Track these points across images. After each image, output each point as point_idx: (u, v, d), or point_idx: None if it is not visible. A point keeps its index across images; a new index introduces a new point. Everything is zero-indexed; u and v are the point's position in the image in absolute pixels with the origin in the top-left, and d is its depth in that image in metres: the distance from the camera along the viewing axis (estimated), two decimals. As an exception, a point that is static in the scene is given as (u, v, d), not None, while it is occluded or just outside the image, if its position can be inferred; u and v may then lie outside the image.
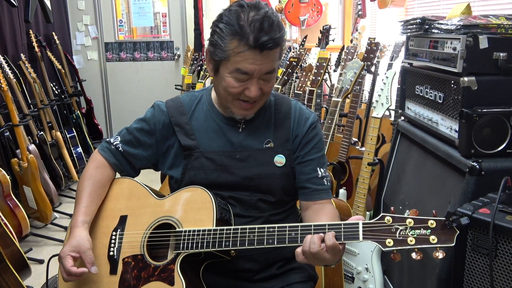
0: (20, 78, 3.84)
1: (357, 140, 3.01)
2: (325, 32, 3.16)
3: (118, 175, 1.52)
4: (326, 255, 1.13)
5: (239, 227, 1.25)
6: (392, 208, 1.15)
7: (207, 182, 1.40)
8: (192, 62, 4.71)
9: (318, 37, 3.35)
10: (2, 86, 3.07)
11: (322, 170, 1.46)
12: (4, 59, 3.52)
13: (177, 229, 1.31)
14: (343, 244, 1.14)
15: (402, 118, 2.16)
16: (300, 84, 2.88)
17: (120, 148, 1.48)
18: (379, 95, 2.20)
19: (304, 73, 2.91)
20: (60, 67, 4.59)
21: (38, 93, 3.92)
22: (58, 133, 4.07)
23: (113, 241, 1.38)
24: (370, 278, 2.01)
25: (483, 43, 1.50)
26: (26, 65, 3.88)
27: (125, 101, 5.69)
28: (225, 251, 1.30)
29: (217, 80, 1.36)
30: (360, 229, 1.12)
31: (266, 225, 1.22)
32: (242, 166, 1.41)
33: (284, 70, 2.84)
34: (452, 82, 1.61)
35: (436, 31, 1.75)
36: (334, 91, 2.65)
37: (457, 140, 1.58)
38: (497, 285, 1.22)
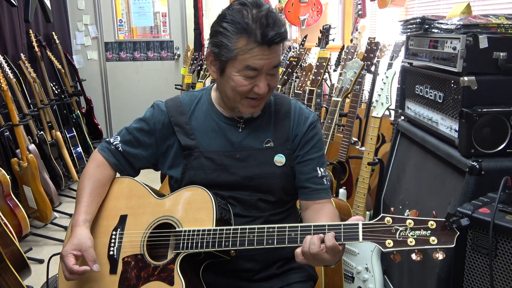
0: (20, 78, 3.84)
1: (357, 139, 3.01)
2: (325, 32, 3.16)
3: (118, 174, 1.52)
4: (326, 256, 1.13)
5: (239, 227, 1.25)
6: (392, 208, 1.14)
7: (207, 182, 1.40)
8: (192, 62, 4.71)
9: (318, 36, 3.35)
10: (2, 86, 3.07)
11: (321, 169, 1.46)
12: (4, 59, 3.51)
13: (177, 229, 1.31)
14: (343, 245, 1.14)
15: (402, 117, 2.16)
16: (300, 84, 2.88)
17: (120, 148, 1.48)
18: (379, 95, 2.20)
19: (304, 73, 2.91)
20: (60, 66, 4.59)
21: (38, 93, 3.92)
22: (58, 133, 4.07)
23: (113, 240, 1.38)
24: (370, 278, 2.01)
25: (483, 42, 1.50)
26: (26, 65, 3.88)
27: (125, 100, 5.69)
28: (225, 251, 1.29)
29: (223, 81, 1.35)
30: (360, 229, 1.12)
31: (265, 225, 1.22)
32: (242, 166, 1.41)
33: (284, 69, 2.84)
34: (452, 81, 1.61)
35: (436, 30, 1.75)
36: (334, 91, 2.65)
37: (457, 139, 1.58)
38: (497, 285, 1.22)
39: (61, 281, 1.40)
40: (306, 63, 3.30)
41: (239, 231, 1.24)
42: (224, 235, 1.25)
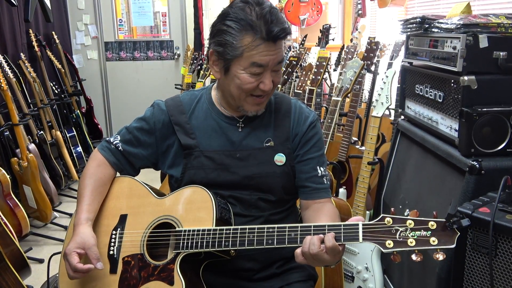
0: (20, 78, 3.85)
1: (357, 139, 3.01)
2: (325, 32, 3.16)
3: (118, 174, 1.52)
4: (326, 256, 1.13)
5: (239, 227, 1.25)
6: (392, 209, 1.14)
7: (207, 181, 1.40)
8: (192, 62, 4.70)
9: (318, 36, 3.35)
10: (2, 85, 3.07)
11: (321, 169, 1.46)
12: (4, 58, 3.51)
13: (177, 229, 1.31)
14: (343, 245, 1.14)
15: (402, 117, 2.16)
16: (300, 84, 2.88)
17: (120, 148, 1.48)
18: (379, 94, 2.20)
19: (304, 72, 2.91)
20: (60, 66, 4.59)
21: (38, 93, 3.92)
22: (58, 133, 4.07)
23: (113, 240, 1.38)
24: (370, 278, 2.01)
25: (483, 42, 1.50)
26: (26, 64, 3.88)
27: (125, 100, 5.69)
28: (225, 251, 1.29)
29: (228, 79, 1.35)
30: (360, 230, 1.12)
31: (265, 225, 1.22)
32: (242, 165, 1.41)
33: (284, 69, 2.84)
34: (452, 81, 1.61)
35: (436, 30, 1.75)
36: (334, 90, 2.65)
37: (457, 139, 1.58)
38: (497, 284, 1.22)
39: (61, 280, 1.40)
40: (306, 62, 3.30)
41: (239, 231, 1.24)
42: (224, 235, 1.25)
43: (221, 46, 1.30)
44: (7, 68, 3.42)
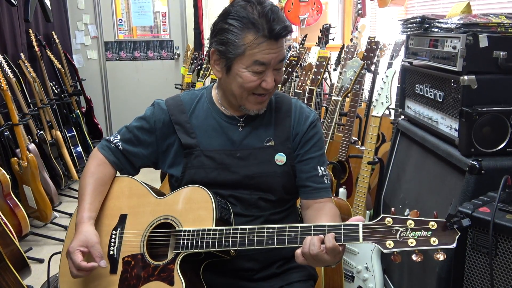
0: (20, 78, 3.84)
1: (357, 139, 3.01)
2: (325, 31, 3.16)
3: (118, 173, 1.52)
4: (326, 257, 1.13)
5: (239, 227, 1.25)
6: (392, 209, 1.14)
7: (208, 180, 1.40)
8: (192, 61, 4.70)
9: (318, 36, 3.35)
10: (2, 85, 3.07)
11: (322, 168, 1.46)
12: (3, 58, 3.51)
13: (177, 229, 1.31)
14: (343, 246, 1.14)
15: (402, 117, 2.16)
16: (300, 83, 2.87)
17: (120, 147, 1.48)
18: (379, 94, 2.20)
19: (304, 72, 2.91)
20: (59, 66, 4.58)
21: (38, 93, 3.92)
22: (58, 133, 4.07)
23: (113, 240, 1.38)
24: (370, 277, 2.01)
25: (483, 42, 1.50)
26: (26, 64, 3.88)
27: (125, 100, 5.69)
28: (225, 251, 1.29)
29: (229, 78, 1.35)
30: (360, 230, 1.12)
31: (265, 226, 1.22)
32: (243, 165, 1.41)
33: (284, 69, 2.83)
34: (452, 81, 1.61)
35: (436, 30, 1.75)
36: (334, 90, 2.65)
37: (457, 139, 1.58)
38: (497, 284, 1.22)
39: (61, 280, 1.40)
40: (306, 62, 3.30)
41: (239, 231, 1.24)
42: (224, 235, 1.25)
43: (223, 45, 1.30)
44: (7, 68, 3.42)
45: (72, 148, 4.40)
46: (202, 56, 4.70)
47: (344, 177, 2.75)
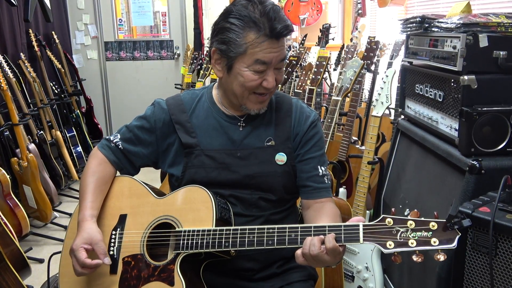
0: (20, 78, 3.84)
1: (357, 139, 3.01)
2: (325, 31, 3.16)
3: (117, 173, 1.52)
4: (326, 257, 1.13)
5: (239, 227, 1.25)
6: (393, 209, 1.14)
7: (208, 180, 1.40)
8: (192, 61, 4.70)
9: (318, 36, 3.35)
10: (2, 85, 3.07)
11: (322, 168, 1.46)
12: (3, 58, 3.51)
13: (177, 229, 1.31)
14: (343, 246, 1.14)
15: (402, 116, 2.16)
16: (300, 83, 2.87)
17: (120, 146, 1.48)
18: (379, 94, 2.20)
19: (304, 72, 2.91)
20: (59, 66, 4.58)
21: (38, 93, 3.92)
22: (58, 133, 4.07)
23: (112, 240, 1.38)
24: (370, 277, 2.01)
25: (483, 41, 1.50)
26: (26, 64, 3.88)
27: (125, 100, 5.68)
28: (225, 251, 1.29)
29: (231, 78, 1.35)
30: (361, 231, 1.11)
31: (265, 226, 1.22)
32: (243, 164, 1.41)
33: (284, 69, 2.83)
34: (452, 80, 1.61)
35: (436, 29, 1.74)
36: (334, 90, 2.65)
37: (457, 138, 1.58)
38: (497, 284, 1.22)
39: (61, 280, 1.40)
40: (306, 62, 3.30)
41: (239, 231, 1.24)
42: (224, 236, 1.24)
43: (224, 44, 1.30)
44: (7, 68, 3.42)
45: (72, 148, 4.40)
46: (202, 56, 4.70)
47: (344, 177, 2.75)
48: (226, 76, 1.36)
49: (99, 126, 5.32)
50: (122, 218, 1.41)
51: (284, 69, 2.83)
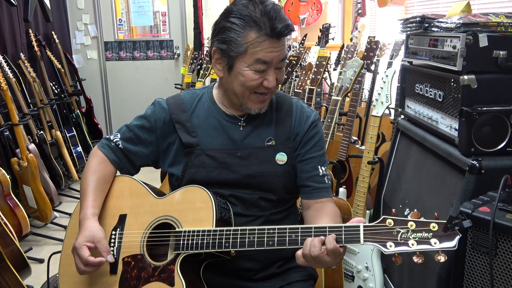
0: (20, 78, 3.84)
1: (357, 138, 3.01)
2: (325, 31, 3.16)
3: (117, 173, 1.52)
4: (327, 258, 1.13)
5: (239, 228, 1.25)
6: (393, 210, 1.14)
7: (208, 179, 1.40)
8: (191, 61, 4.70)
9: (318, 35, 3.35)
10: (2, 85, 3.07)
11: (323, 168, 1.45)
12: (3, 58, 3.51)
13: (177, 229, 1.31)
14: (344, 247, 1.14)
15: (402, 116, 2.16)
16: (300, 83, 2.87)
17: (120, 145, 1.48)
18: (379, 94, 2.20)
19: (304, 72, 2.91)
20: (59, 66, 4.58)
21: (38, 93, 3.92)
22: (58, 133, 4.07)
23: (112, 240, 1.38)
24: (370, 277, 2.01)
25: (483, 41, 1.50)
26: (26, 64, 3.88)
27: (125, 100, 5.68)
28: (225, 251, 1.29)
29: (231, 77, 1.35)
30: (361, 232, 1.11)
31: (266, 227, 1.22)
32: (244, 164, 1.41)
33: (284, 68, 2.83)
34: (452, 80, 1.61)
35: (436, 29, 1.74)
36: (334, 90, 2.65)
37: (457, 138, 1.58)
38: (497, 284, 1.22)
39: (61, 280, 1.40)
40: (306, 62, 3.29)
41: (239, 232, 1.24)
42: (224, 236, 1.24)
43: (225, 44, 1.30)
44: (7, 68, 3.42)
45: (72, 148, 4.40)
46: (202, 56, 4.70)
47: (344, 177, 2.75)
48: (227, 75, 1.36)
49: (99, 126, 5.32)
50: (122, 218, 1.41)
51: (284, 69, 2.84)
